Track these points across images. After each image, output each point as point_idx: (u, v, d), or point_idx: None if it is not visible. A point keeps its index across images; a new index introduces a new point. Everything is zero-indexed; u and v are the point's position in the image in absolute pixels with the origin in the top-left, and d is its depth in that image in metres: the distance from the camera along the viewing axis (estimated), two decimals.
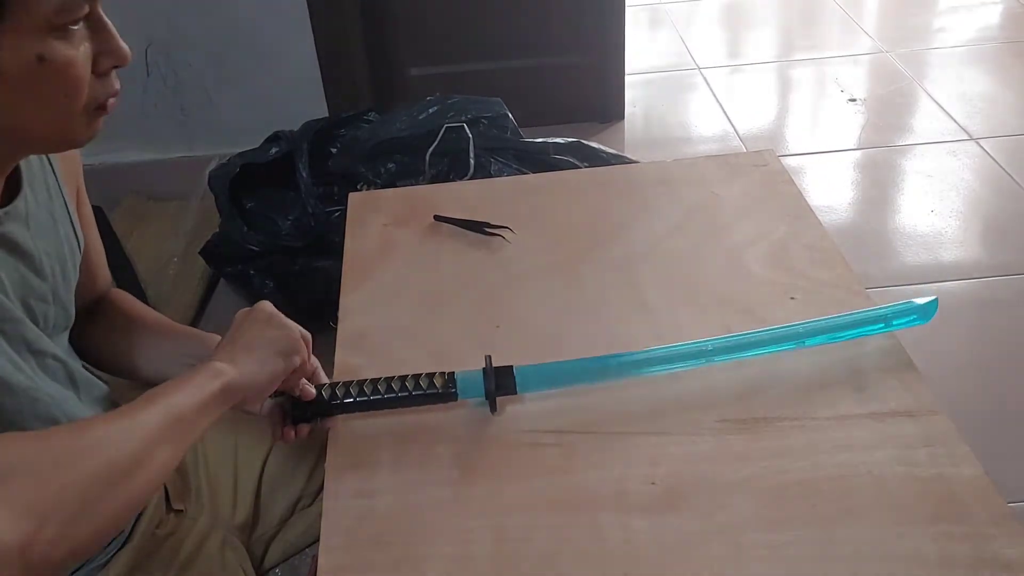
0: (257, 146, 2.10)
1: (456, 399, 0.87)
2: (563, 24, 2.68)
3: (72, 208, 0.89)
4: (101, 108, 0.74)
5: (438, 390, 0.87)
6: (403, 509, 0.81)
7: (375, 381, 0.88)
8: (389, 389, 0.87)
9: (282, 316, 0.85)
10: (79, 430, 0.67)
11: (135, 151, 2.59)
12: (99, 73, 0.72)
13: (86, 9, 0.68)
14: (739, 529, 0.77)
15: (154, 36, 2.44)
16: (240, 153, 2.07)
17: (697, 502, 0.80)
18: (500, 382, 0.88)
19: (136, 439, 0.67)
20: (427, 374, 0.88)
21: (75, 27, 0.68)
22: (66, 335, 0.89)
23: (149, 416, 0.69)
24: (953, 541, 0.74)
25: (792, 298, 1.02)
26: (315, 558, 0.81)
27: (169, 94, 2.56)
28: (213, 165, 2.08)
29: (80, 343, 0.94)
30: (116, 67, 0.74)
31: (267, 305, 0.86)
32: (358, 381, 0.88)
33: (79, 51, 0.69)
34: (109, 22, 0.72)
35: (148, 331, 0.99)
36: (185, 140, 2.63)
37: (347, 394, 0.87)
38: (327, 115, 2.51)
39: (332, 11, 2.46)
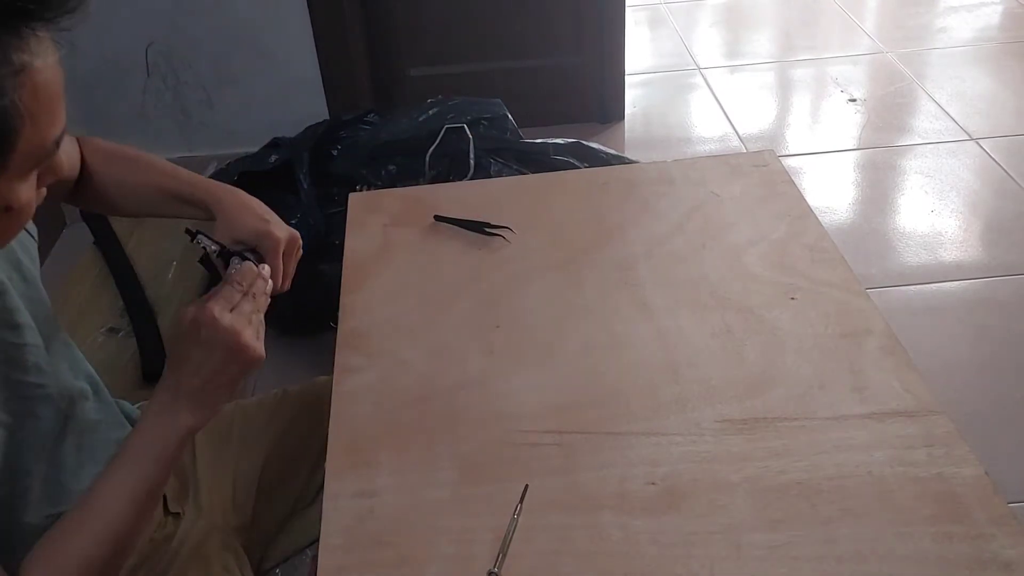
0: (256, 149, 2.10)
1: None
2: (563, 24, 2.68)
3: None
4: None
5: None
6: (403, 509, 0.81)
7: None
8: None
9: (215, 320, 0.76)
10: (66, 546, 0.73)
11: None
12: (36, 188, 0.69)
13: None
14: (739, 529, 0.77)
15: (154, 36, 2.44)
16: (239, 159, 2.06)
17: (697, 502, 0.80)
18: None
19: (119, 529, 0.75)
20: None
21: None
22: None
23: (121, 502, 0.75)
24: (953, 541, 0.74)
25: (792, 298, 1.02)
26: (315, 558, 0.81)
27: (169, 94, 2.56)
28: (211, 170, 2.08)
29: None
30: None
31: (196, 315, 0.76)
32: None
33: (34, 188, 0.67)
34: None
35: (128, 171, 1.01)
36: (185, 140, 2.63)
37: None
38: (327, 116, 2.52)
39: (332, 11, 2.46)
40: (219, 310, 0.76)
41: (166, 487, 0.97)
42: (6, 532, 0.77)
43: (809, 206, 1.18)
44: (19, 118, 0.60)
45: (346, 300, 1.07)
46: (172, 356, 0.79)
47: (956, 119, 2.75)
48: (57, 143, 0.66)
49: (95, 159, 0.99)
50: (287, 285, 0.95)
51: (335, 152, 2.05)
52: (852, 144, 2.70)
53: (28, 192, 0.66)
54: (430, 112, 2.05)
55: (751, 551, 0.75)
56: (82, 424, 0.89)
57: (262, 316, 0.82)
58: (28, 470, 0.81)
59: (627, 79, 2.84)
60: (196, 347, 0.76)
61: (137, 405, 1.06)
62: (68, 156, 0.94)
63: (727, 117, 2.87)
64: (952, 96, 2.88)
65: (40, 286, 0.87)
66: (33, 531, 0.76)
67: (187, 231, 0.92)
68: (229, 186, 0.98)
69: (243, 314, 0.78)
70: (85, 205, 1.02)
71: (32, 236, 0.88)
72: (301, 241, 0.97)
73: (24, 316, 0.82)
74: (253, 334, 0.78)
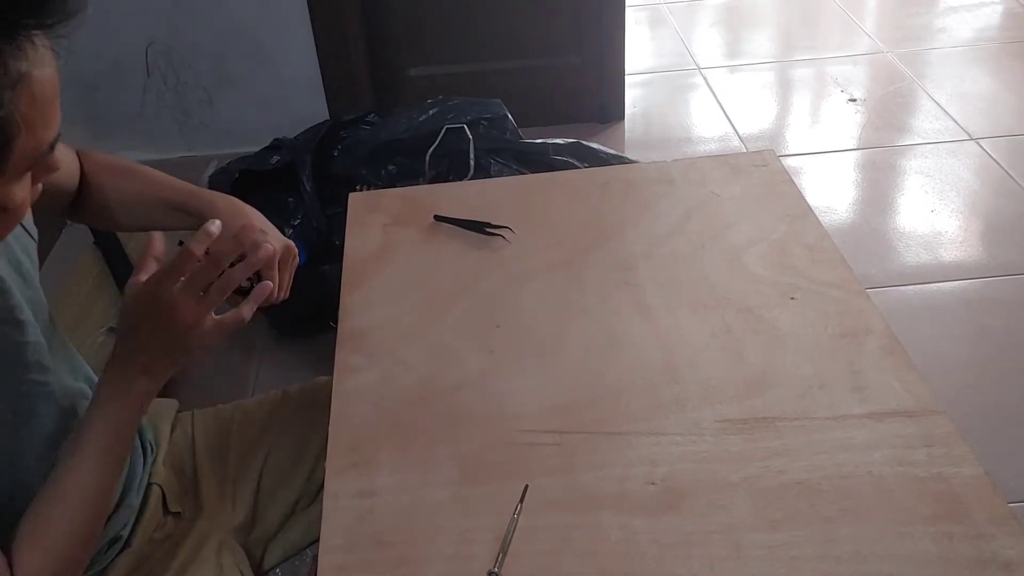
0: (257, 150, 2.09)
1: None
2: (563, 24, 2.68)
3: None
4: None
5: None
6: (403, 509, 0.81)
7: None
8: None
9: (167, 296, 0.75)
10: (49, 519, 0.76)
11: (135, 151, 2.59)
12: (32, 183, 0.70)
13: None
14: (739, 529, 0.77)
15: (154, 36, 2.45)
16: (240, 159, 2.06)
17: (697, 502, 0.80)
18: None
19: (93, 496, 0.78)
20: None
21: None
22: None
23: (91, 470, 0.77)
24: (953, 541, 0.75)
25: (792, 298, 1.02)
26: (315, 558, 0.81)
27: (169, 94, 2.56)
28: (212, 168, 2.07)
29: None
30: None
31: (143, 291, 0.76)
32: None
33: (29, 186, 0.68)
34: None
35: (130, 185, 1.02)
36: (185, 140, 2.64)
37: None
38: (327, 116, 2.52)
39: (332, 11, 2.46)
40: (143, 275, 0.77)
41: (165, 484, 0.98)
42: (6, 528, 0.77)
43: (809, 206, 1.18)
44: (16, 127, 0.61)
45: (346, 300, 1.07)
46: (118, 329, 0.79)
47: (956, 119, 2.75)
48: (52, 145, 0.66)
49: (95, 171, 1.00)
50: (284, 295, 0.96)
51: (335, 152, 2.05)
52: (852, 144, 2.70)
53: (23, 192, 0.67)
54: (430, 112, 2.05)
55: (751, 551, 0.75)
56: None
57: (223, 278, 0.77)
58: (29, 467, 0.82)
59: (627, 79, 2.83)
60: (128, 316, 0.77)
61: None
62: (64, 161, 0.94)
63: (727, 117, 2.87)
64: (952, 96, 2.88)
65: (39, 288, 0.87)
66: None
67: (180, 243, 0.92)
68: (227, 195, 0.99)
69: (172, 271, 0.75)
70: (84, 219, 1.02)
71: (32, 237, 0.88)
72: (297, 251, 0.97)
73: (26, 313, 0.82)
74: (190, 293, 0.75)
